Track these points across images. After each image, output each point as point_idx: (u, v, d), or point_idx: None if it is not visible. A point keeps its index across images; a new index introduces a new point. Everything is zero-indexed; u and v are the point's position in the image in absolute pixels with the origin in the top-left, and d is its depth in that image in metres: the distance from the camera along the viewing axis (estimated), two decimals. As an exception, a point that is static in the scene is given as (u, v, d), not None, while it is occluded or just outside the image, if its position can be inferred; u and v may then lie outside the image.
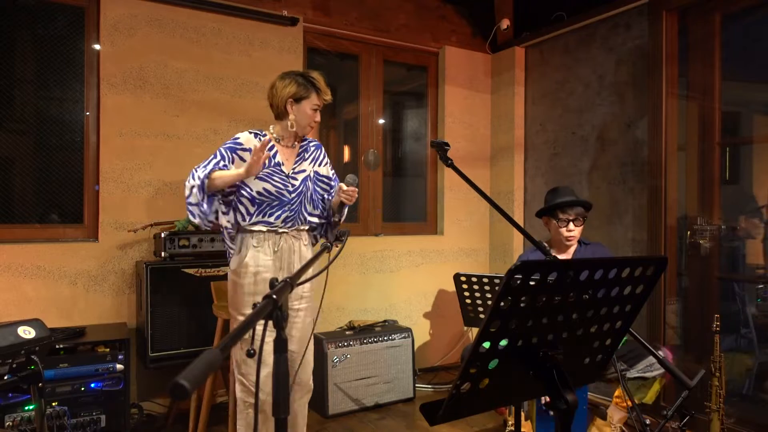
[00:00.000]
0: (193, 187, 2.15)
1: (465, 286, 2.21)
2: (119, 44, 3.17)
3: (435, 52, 4.41)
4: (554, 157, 4.05)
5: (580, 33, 3.83)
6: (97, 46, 3.18)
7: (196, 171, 2.17)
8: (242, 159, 2.24)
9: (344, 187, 2.24)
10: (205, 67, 3.40)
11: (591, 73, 3.75)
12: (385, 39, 4.14)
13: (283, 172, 2.30)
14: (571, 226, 2.67)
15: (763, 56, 2.99)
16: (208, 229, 2.36)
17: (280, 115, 2.32)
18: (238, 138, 2.28)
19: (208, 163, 2.20)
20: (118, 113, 3.16)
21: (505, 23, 4.26)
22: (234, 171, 2.17)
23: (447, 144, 2.07)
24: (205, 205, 2.17)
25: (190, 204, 2.18)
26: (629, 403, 2.36)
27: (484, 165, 4.52)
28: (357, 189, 2.26)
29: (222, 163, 2.21)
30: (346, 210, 2.40)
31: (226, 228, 2.27)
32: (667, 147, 3.26)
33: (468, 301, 2.24)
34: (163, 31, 3.29)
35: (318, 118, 2.33)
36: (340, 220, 2.38)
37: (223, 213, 2.25)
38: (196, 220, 2.19)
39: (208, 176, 2.14)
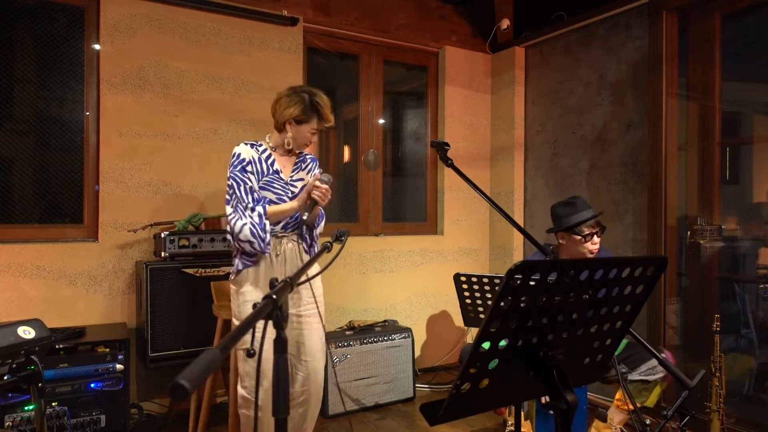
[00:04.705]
0: (253, 225, 2.14)
1: (465, 286, 2.21)
2: (119, 44, 3.17)
3: (435, 52, 4.41)
4: (554, 157, 4.05)
5: (580, 33, 3.83)
6: (97, 46, 3.17)
7: (242, 209, 2.17)
8: (251, 173, 2.26)
9: (318, 184, 2.19)
10: (205, 67, 3.40)
11: (591, 73, 3.75)
12: (385, 39, 4.13)
13: (282, 179, 2.31)
14: (595, 238, 2.61)
15: (763, 56, 2.99)
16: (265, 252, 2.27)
17: (280, 129, 2.33)
18: (240, 154, 2.26)
19: (242, 193, 2.20)
20: (118, 113, 3.16)
21: (505, 23, 4.26)
22: (287, 205, 2.24)
23: (447, 144, 2.07)
24: (267, 236, 2.19)
25: (256, 240, 2.17)
26: (630, 406, 2.36)
27: (484, 165, 4.52)
28: (330, 190, 2.21)
29: (250, 186, 2.22)
30: (320, 219, 2.37)
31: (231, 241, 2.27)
32: (667, 147, 3.26)
33: (468, 301, 2.24)
34: (163, 31, 3.28)
35: (315, 139, 2.36)
36: (308, 219, 2.24)
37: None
38: (263, 252, 2.22)
39: (264, 215, 2.17)
